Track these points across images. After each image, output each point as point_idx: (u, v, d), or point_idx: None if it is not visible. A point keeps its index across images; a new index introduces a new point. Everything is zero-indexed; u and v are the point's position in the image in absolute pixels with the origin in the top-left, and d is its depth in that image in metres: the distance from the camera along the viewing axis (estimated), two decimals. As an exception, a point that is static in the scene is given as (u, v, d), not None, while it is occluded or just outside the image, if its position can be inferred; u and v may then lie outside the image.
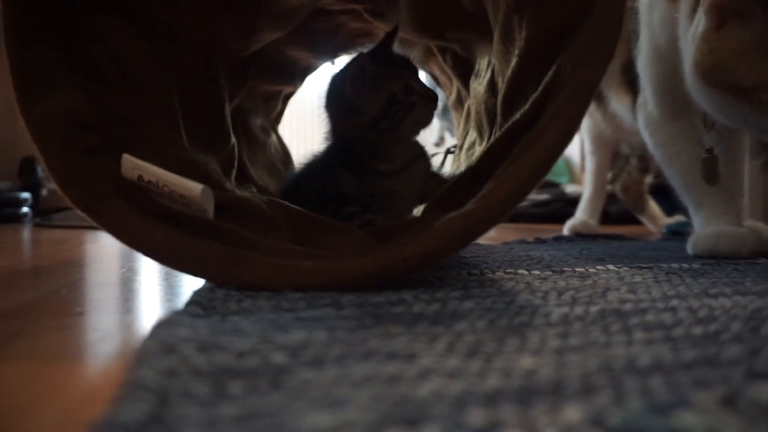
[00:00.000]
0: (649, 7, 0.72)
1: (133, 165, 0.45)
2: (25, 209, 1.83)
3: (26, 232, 1.37)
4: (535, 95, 0.52)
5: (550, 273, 0.55)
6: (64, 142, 0.45)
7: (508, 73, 0.62)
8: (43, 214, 1.84)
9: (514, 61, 0.61)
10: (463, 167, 0.77)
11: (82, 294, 0.55)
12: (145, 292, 0.55)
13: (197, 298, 0.40)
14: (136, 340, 0.36)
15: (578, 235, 1.05)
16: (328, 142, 0.74)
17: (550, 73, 0.50)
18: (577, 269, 0.58)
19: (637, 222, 1.41)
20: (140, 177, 0.45)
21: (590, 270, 0.57)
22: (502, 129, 0.56)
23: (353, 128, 0.68)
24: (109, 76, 0.54)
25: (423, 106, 0.67)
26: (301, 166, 0.80)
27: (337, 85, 0.70)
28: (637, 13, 0.75)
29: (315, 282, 0.44)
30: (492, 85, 0.80)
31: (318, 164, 0.75)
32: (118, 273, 0.67)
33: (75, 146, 0.46)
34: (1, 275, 0.66)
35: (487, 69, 0.84)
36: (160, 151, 0.53)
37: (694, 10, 0.62)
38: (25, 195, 1.84)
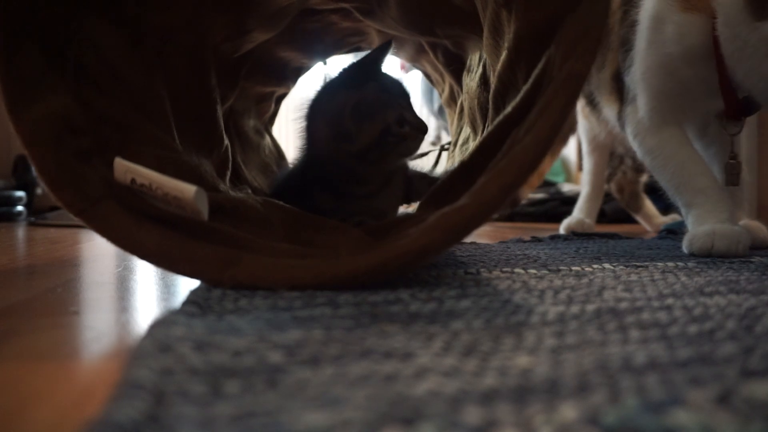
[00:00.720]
0: (656, 20, 0.72)
1: (125, 168, 0.45)
2: (19, 208, 1.82)
3: (21, 231, 1.36)
4: (526, 87, 0.52)
5: (547, 272, 0.55)
6: (54, 146, 0.45)
7: (498, 67, 0.62)
8: (38, 212, 1.83)
9: (503, 54, 0.61)
10: (456, 163, 0.77)
11: (77, 293, 0.55)
12: (140, 291, 0.55)
13: (193, 297, 0.40)
14: (132, 339, 0.36)
15: (574, 234, 1.06)
16: (303, 158, 0.71)
17: (539, 66, 0.50)
18: (573, 268, 0.58)
19: (633, 221, 1.42)
20: (133, 180, 0.45)
21: (586, 269, 0.57)
22: (494, 123, 0.56)
23: (338, 154, 0.66)
24: (99, 80, 0.54)
25: (413, 139, 0.66)
26: (282, 176, 0.78)
27: (329, 107, 0.66)
28: (634, 25, 0.75)
29: (310, 281, 0.44)
30: (484, 80, 0.80)
31: (295, 180, 0.72)
32: (114, 272, 0.67)
33: (66, 150, 0.46)
34: (-4, 274, 0.66)
35: (478, 64, 0.84)
36: (152, 154, 0.53)
37: (749, 12, 0.62)
38: (20, 193, 1.83)
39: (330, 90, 0.68)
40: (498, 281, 0.50)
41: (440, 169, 0.92)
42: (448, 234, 0.43)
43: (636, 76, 0.76)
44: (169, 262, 0.45)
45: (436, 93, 1.12)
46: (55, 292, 0.52)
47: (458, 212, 0.43)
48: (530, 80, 0.51)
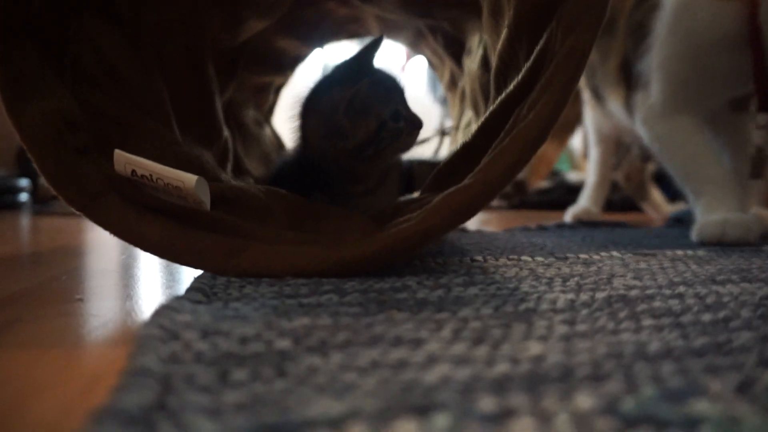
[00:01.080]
0: (685, 7, 0.70)
1: (125, 160, 0.45)
2: (23, 196, 1.82)
3: (25, 219, 1.36)
4: (527, 65, 0.51)
5: (554, 259, 0.55)
6: (54, 142, 0.45)
7: (499, 45, 0.61)
8: (42, 201, 1.83)
9: (504, 32, 0.60)
10: (459, 145, 0.76)
11: (82, 281, 0.55)
12: (145, 279, 0.54)
13: (198, 284, 0.40)
14: (137, 327, 0.36)
15: (580, 222, 1.05)
16: (299, 153, 0.69)
17: (541, 42, 0.49)
18: (580, 256, 0.57)
19: (640, 209, 1.41)
20: (133, 172, 0.45)
21: (594, 256, 0.57)
22: (496, 102, 0.55)
23: (333, 153, 0.64)
24: (96, 76, 0.53)
25: (408, 135, 0.64)
26: (277, 170, 0.76)
27: (323, 105, 0.64)
28: (654, 10, 0.74)
29: (315, 267, 0.43)
30: (485, 62, 0.78)
31: (290, 175, 0.70)
32: (118, 260, 0.67)
33: (65, 146, 0.45)
34: (0, 262, 0.66)
35: (478, 46, 0.82)
36: (152, 148, 0.52)
37: None
38: (24, 182, 1.83)
39: (323, 88, 0.66)
40: (505, 269, 0.49)
41: (442, 155, 0.91)
42: (453, 214, 0.42)
43: (653, 63, 0.75)
44: (172, 253, 0.45)
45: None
46: (59, 280, 0.52)
47: (462, 192, 0.43)
48: (532, 57, 0.50)
